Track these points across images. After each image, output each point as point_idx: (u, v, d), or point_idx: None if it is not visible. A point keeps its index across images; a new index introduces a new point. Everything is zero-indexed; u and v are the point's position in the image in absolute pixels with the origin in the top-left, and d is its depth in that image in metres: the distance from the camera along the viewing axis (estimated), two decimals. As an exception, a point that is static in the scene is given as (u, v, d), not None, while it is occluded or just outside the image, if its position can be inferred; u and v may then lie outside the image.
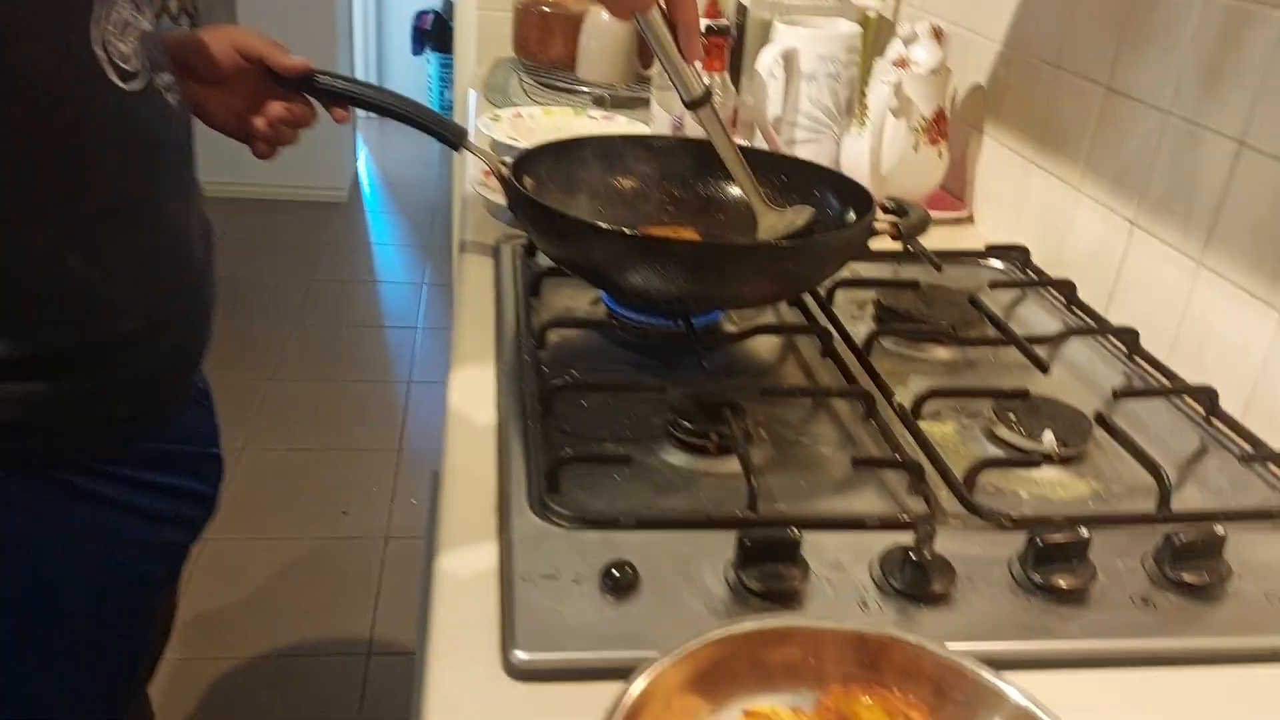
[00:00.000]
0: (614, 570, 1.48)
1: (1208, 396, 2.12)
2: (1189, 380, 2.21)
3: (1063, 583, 1.56)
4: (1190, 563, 1.62)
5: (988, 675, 1.31)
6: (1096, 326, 2.47)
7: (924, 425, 2.01)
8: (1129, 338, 2.37)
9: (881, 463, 1.87)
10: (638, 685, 1.23)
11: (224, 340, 6.66)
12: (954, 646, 1.35)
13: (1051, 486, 1.92)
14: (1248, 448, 1.99)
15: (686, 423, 1.87)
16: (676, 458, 1.86)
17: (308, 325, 6.13)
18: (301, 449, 5.13)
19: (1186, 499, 1.91)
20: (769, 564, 1.52)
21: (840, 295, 2.57)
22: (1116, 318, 2.51)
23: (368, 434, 5.41)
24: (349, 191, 8.03)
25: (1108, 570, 1.63)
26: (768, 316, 2.47)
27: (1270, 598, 1.62)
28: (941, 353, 2.39)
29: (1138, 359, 2.35)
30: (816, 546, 1.60)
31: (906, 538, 1.58)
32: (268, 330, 6.01)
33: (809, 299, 2.47)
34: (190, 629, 3.87)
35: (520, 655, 1.36)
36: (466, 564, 1.55)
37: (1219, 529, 1.64)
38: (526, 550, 1.54)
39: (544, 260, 2.44)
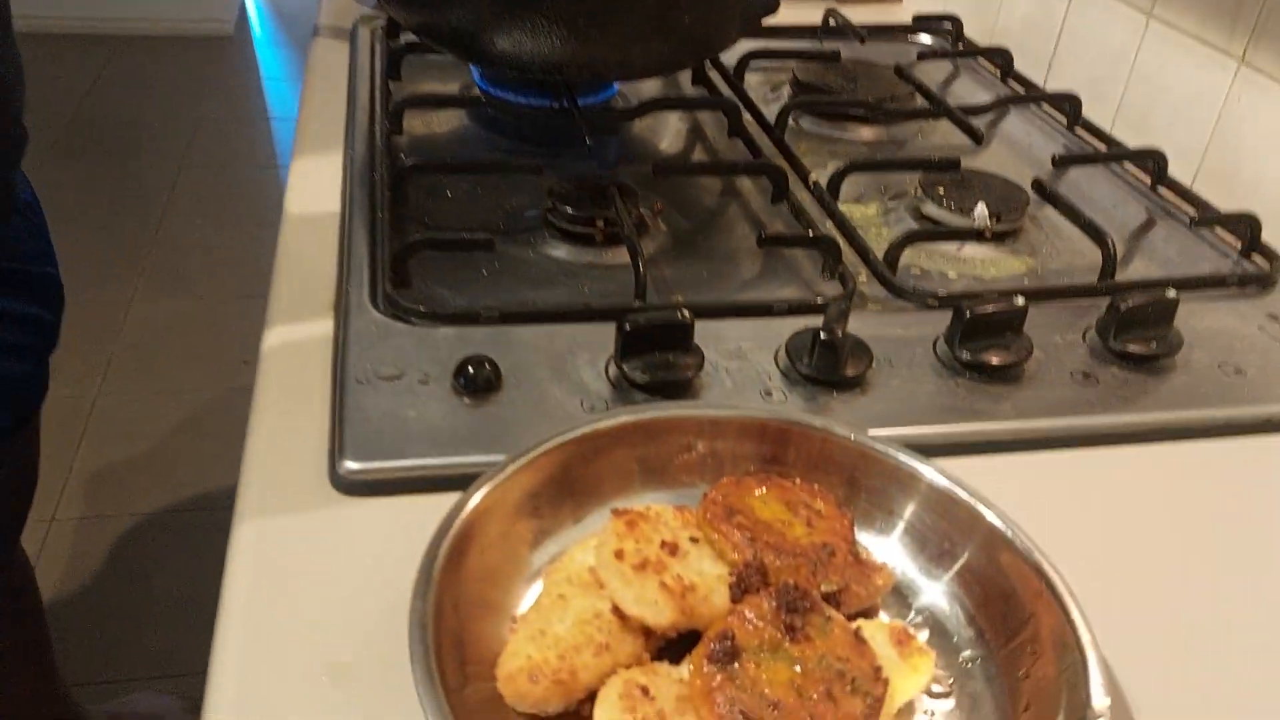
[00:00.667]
0: (469, 367, 1.24)
1: (1155, 161, 1.90)
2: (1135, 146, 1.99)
3: (994, 359, 1.35)
4: (1137, 332, 1.42)
5: (903, 457, 1.10)
6: (1034, 95, 2.22)
7: (844, 208, 1.76)
8: (1070, 105, 2.13)
9: (791, 240, 1.63)
10: (479, 493, 1.00)
11: (107, 187, 6.17)
12: (872, 434, 1.14)
13: (983, 265, 1.70)
14: (1196, 213, 1.78)
15: (567, 208, 1.61)
16: (557, 250, 1.60)
17: (196, 168, 5.67)
18: (197, 297, 4.76)
19: (1132, 272, 1.71)
20: (656, 353, 1.28)
21: (752, 76, 2.28)
22: (1056, 87, 2.26)
23: (266, 280, 5.05)
24: (235, 24, 7.40)
25: (1045, 347, 1.43)
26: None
27: (1224, 368, 1.43)
28: (865, 132, 2.13)
29: (1079, 129, 2.11)
30: (715, 335, 1.37)
31: (819, 323, 1.35)
32: (154, 175, 5.56)
33: (715, 75, 2.18)
34: (89, 486, 3.60)
35: (349, 465, 1.12)
36: (295, 367, 1.30)
37: (1171, 292, 1.44)
38: (364, 348, 1.28)
39: (408, 38, 2.11)
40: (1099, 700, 0.87)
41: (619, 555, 0.93)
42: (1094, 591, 0.96)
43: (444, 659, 0.87)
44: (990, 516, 1.04)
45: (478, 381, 1.23)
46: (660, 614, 0.91)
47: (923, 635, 1.03)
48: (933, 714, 0.97)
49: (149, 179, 5.94)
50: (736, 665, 0.87)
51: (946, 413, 1.30)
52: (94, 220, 5.72)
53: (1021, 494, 1.06)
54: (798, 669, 0.88)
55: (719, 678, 0.86)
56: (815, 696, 0.86)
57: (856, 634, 0.91)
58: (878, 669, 0.89)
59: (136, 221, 5.52)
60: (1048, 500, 1.15)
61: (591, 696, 0.90)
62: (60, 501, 3.78)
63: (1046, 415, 1.31)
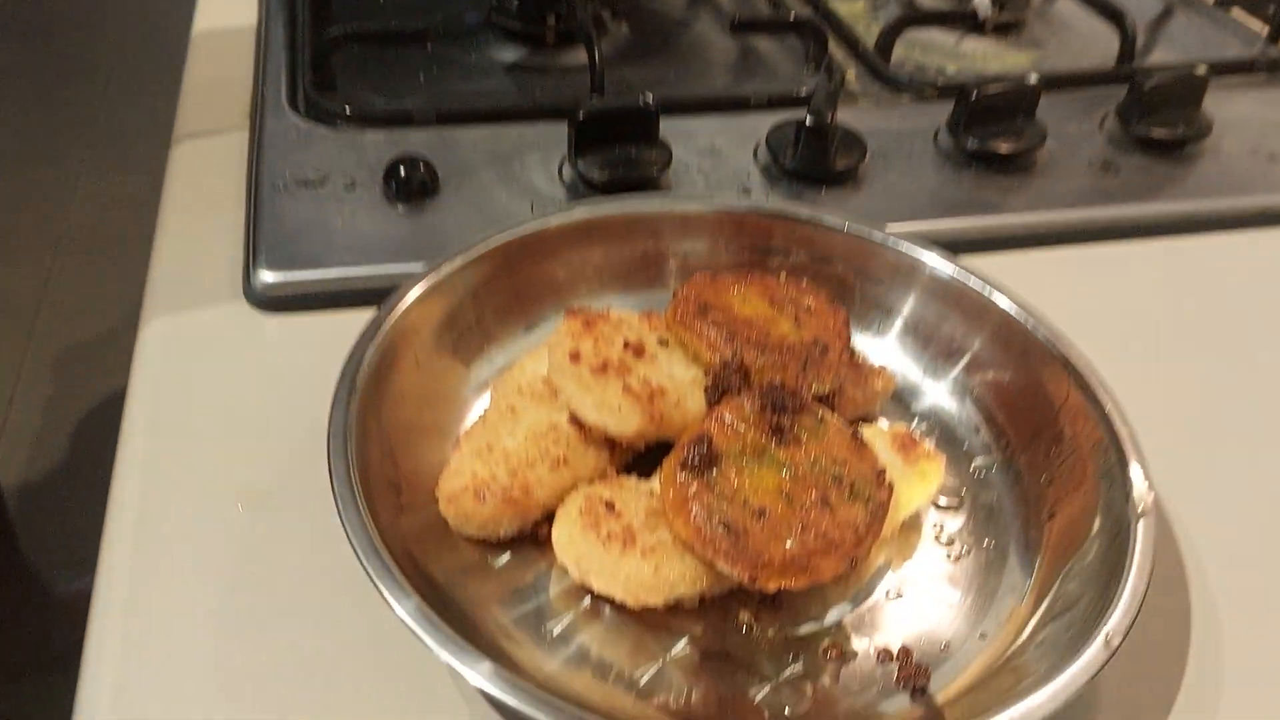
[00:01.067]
0: (401, 169, 1.07)
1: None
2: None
3: (1003, 147, 1.19)
4: (1162, 115, 1.26)
5: (903, 246, 0.96)
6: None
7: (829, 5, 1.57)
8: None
9: (767, 24, 1.45)
10: (411, 294, 0.85)
11: (49, 64, 5.80)
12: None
13: (984, 59, 1.52)
14: (1222, -5, 1.60)
15: (514, 2, 1.41)
16: (504, 52, 1.42)
17: (138, 39, 5.36)
18: (146, 172, 4.47)
19: (1151, 61, 1.54)
20: (616, 148, 1.11)
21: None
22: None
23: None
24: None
25: (1059, 137, 1.26)
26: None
27: (1258, 154, 1.28)
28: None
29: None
30: (684, 133, 1.21)
31: (803, 114, 1.18)
32: (96, 49, 5.26)
33: None
34: (47, 366, 3.52)
35: (265, 277, 0.97)
36: (208, 175, 1.13)
37: (1200, 69, 1.27)
38: (283, 153, 1.11)
39: None
40: (1140, 486, 0.75)
41: (574, 357, 0.79)
42: (1121, 395, 0.83)
43: (372, 481, 0.74)
44: (1004, 303, 0.90)
45: (411, 185, 1.07)
46: (625, 422, 0.78)
47: (928, 442, 0.91)
48: (941, 529, 0.85)
49: (91, 53, 5.59)
50: (715, 472, 0.74)
51: (951, 207, 1.15)
52: (37, 98, 5.41)
53: (1037, 293, 0.92)
54: (786, 475, 0.75)
55: (695, 486, 0.72)
56: (808, 504, 0.73)
57: (854, 434, 0.78)
58: (880, 472, 0.76)
59: (81, 96, 5.22)
60: (1065, 299, 1.01)
61: (549, 517, 0.77)
62: (19, 383, 3.64)
63: (1063, 207, 1.17)
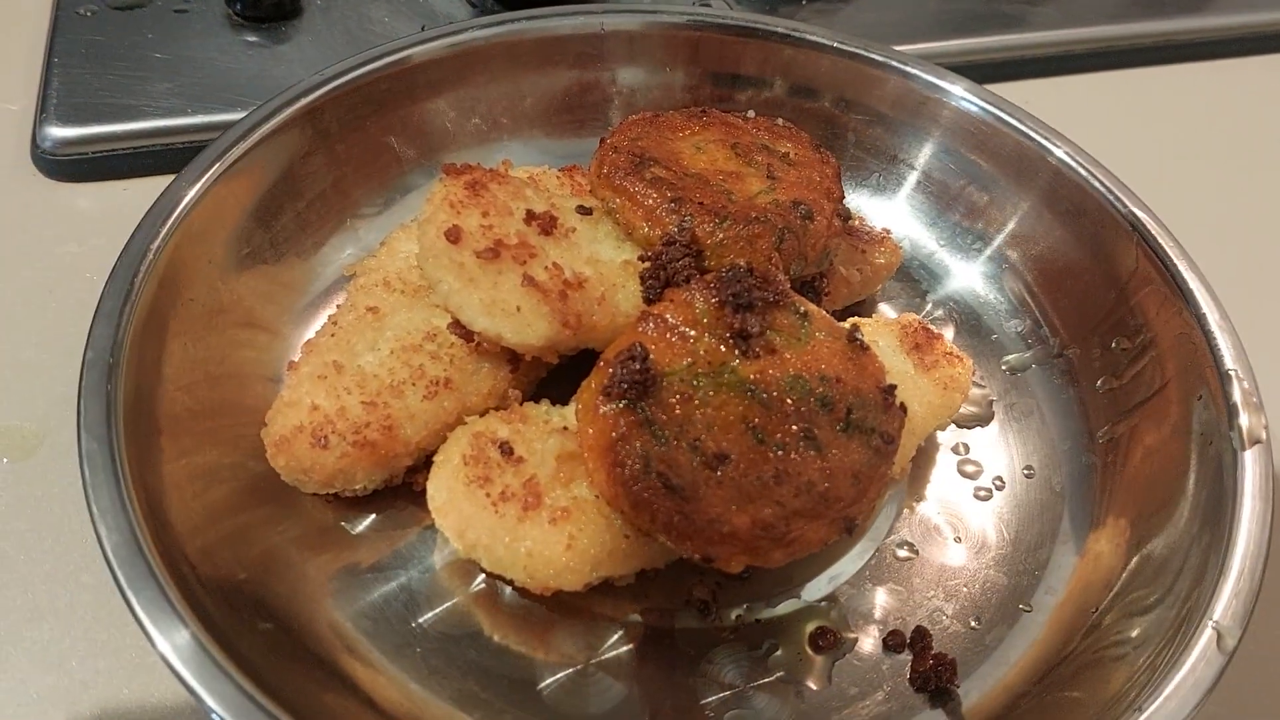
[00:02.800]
0: (246, -19, 0.81)
1: None
2: None
3: (1036, -60, 0.93)
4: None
5: (918, 70, 0.71)
6: None
7: None
8: None
9: None
10: (227, 156, 0.61)
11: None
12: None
13: None
14: None
15: None
16: None
17: None
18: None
19: None
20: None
21: None
22: None
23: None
24: None
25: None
26: None
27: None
28: None
29: None
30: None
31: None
32: None
33: None
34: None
35: (56, 134, 0.72)
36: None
37: None
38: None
39: None
40: (1247, 400, 0.53)
41: (453, 236, 0.55)
42: (1205, 266, 0.61)
43: (156, 429, 0.51)
44: (1059, 152, 0.66)
45: (262, 3, 0.80)
46: (526, 327, 0.55)
47: (947, 334, 0.68)
48: (966, 451, 0.63)
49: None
50: (653, 401, 0.51)
51: (965, 23, 0.89)
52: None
53: (1074, 122, 0.68)
54: (755, 401, 0.52)
55: (624, 422, 0.50)
56: (787, 443, 0.51)
57: (852, 337, 0.55)
58: (887, 390, 0.54)
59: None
60: (1108, 132, 0.77)
61: (428, 463, 0.55)
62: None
63: (1100, 22, 0.91)
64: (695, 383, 0.52)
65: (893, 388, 0.54)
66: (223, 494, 0.54)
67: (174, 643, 0.42)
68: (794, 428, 0.52)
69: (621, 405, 0.51)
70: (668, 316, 0.54)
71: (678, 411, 0.51)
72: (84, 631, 0.53)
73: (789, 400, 0.52)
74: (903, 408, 0.54)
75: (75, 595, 0.54)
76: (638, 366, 0.51)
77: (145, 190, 0.70)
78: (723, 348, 0.53)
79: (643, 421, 0.51)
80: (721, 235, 0.57)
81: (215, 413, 0.56)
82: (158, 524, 0.47)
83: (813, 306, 0.56)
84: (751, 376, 0.53)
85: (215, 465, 0.55)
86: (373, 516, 0.57)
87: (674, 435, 0.51)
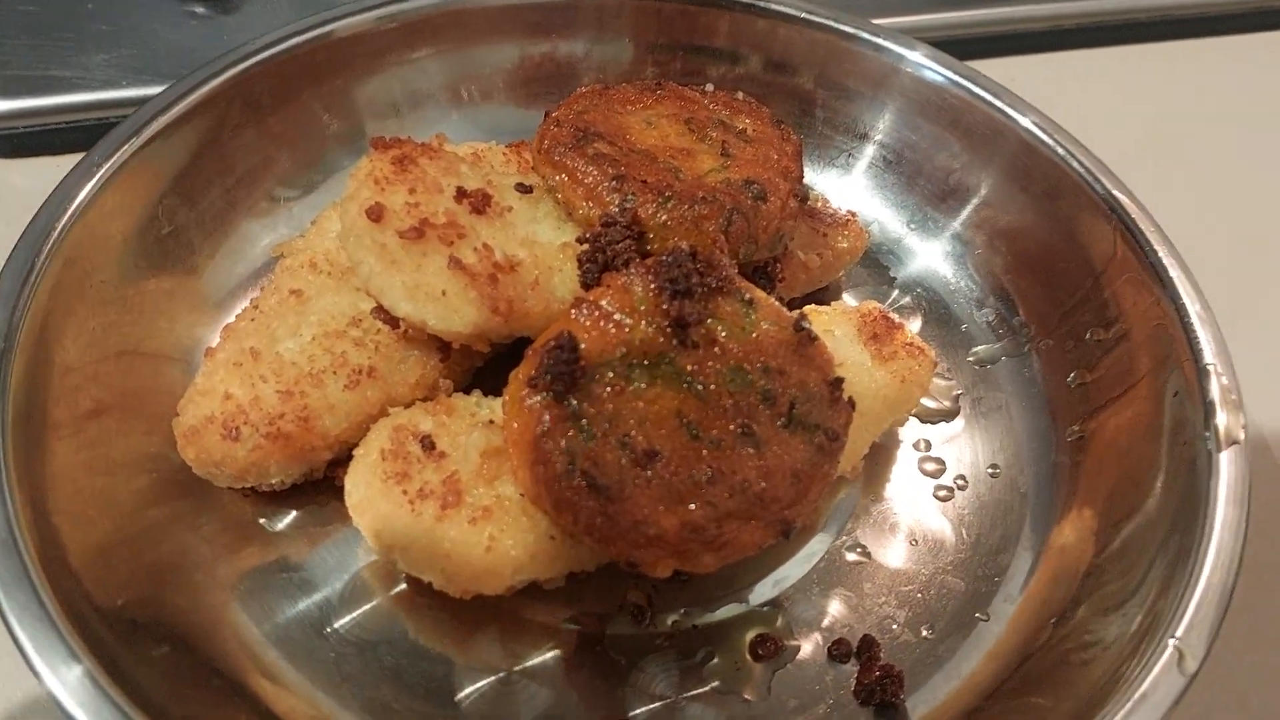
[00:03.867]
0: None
1: None
2: None
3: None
4: None
5: (887, 40, 0.67)
6: None
7: None
8: None
9: None
10: (145, 131, 0.57)
11: None
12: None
13: None
14: None
15: None
16: None
17: None
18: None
19: None
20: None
21: None
22: None
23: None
24: None
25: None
26: None
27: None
28: None
29: None
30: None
31: None
32: None
33: None
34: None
35: (-19, 110, 0.69)
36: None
37: None
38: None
39: None
40: (1224, 397, 0.50)
41: (374, 215, 0.51)
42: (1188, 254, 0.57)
43: (41, 402, 0.48)
44: (1025, 123, 0.62)
45: (209, -25, 0.77)
46: (453, 314, 0.51)
47: (914, 325, 0.65)
48: (928, 448, 0.60)
49: None
50: (581, 394, 0.48)
51: (951, -7, 0.85)
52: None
53: (1058, 106, 0.64)
54: (692, 394, 0.49)
55: (549, 416, 0.47)
56: (723, 440, 0.48)
57: (799, 326, 0.52)
58: (833, 383, 0.50)
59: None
60: (1101, 121, 0.74)
61: (349, 456, 0.52)
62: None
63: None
64: (629, 374, 0.49)
65: (840, 381, 0.50)
66: (135, 488, 0.51)
67: (64, 679, 0.39)
68: (731, 424, 0.48)
69: (548, 397, 0.48)
70: (603, 303, 0.50)
71: (608, 405, 0.48)
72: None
73: (728, 394, 0.49)
74: (851, 403, 0.50)
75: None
76: (566, 356, 0.48)
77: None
78: (660, 337, 0.50)
79: (569, 415, 0.47)
80: (665, 216, 0.54)
81: (128, 402, 0.53)
82: (44, 525, 0.44)
83: (760, 294, 0.52)
84: (689, 368, 0.49)
85: (128, 457, 0.52)
86: (294, 513, 0.54)
87: (602, 431, 0.47)
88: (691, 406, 0.49)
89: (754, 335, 0.51)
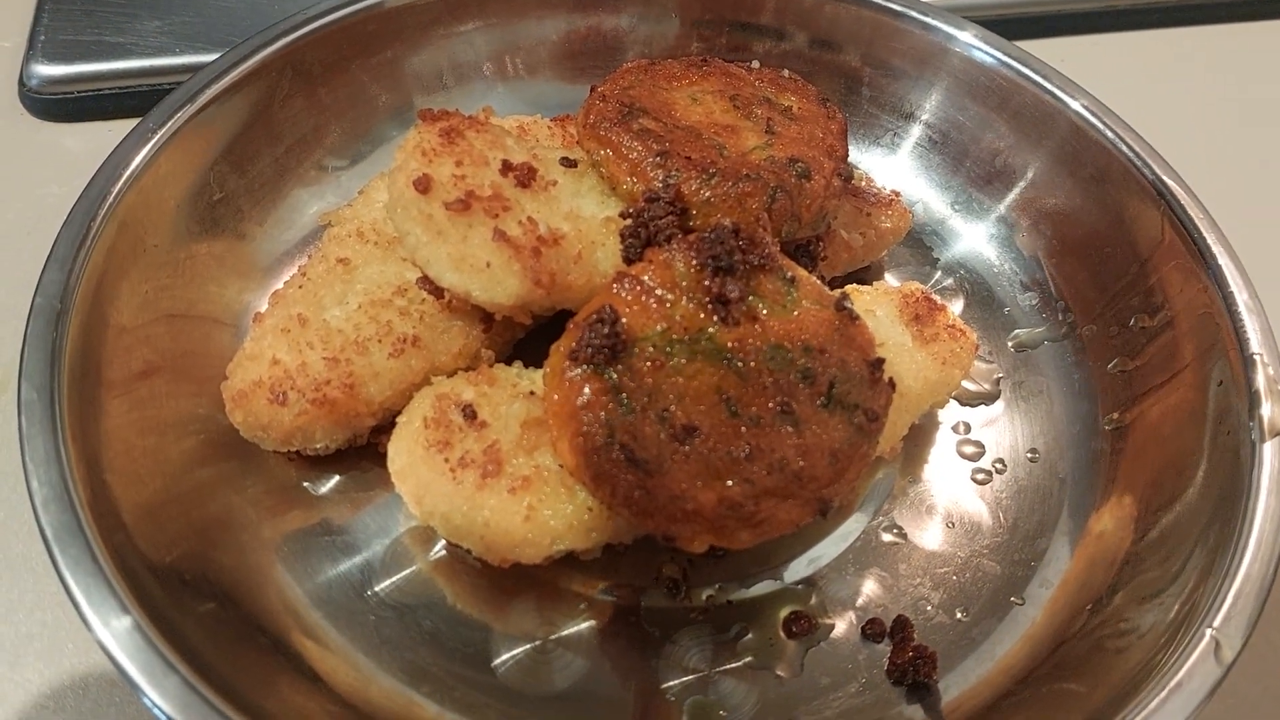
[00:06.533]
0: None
1: None
2: None
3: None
4: None
5: (937, 19, 0.66)
6: None
7: None
8: None
9: None
10: (198, 99, 0.58)
11: None
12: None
13: None
14: None
15: None
16: None
17: None
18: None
19: None
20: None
21: None
22: None
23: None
24: None
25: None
26: None
27: None
28: None
29: None
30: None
31: None
32: None
33: None
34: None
35: (43, 71, 0.70)
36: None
37: None
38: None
39: None
40: (1271, 387, 0.49)
41: (422, 186, 0.52)
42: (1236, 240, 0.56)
43: (95, 363, 0.50)
44: (1076, 106, 0.62)
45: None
46: (496, 285, 0.52)
47: (956, 306, 0.64)
48: (967, 431, 0.60)
49: None
50: (622, 367, 0.48)
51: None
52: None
53: (1108, 89, 0.63)
54: (731, 371, 0.49)
55: (590, 389, 0.47)
56: (762, 418, 0.48)
57: (840, 306, 0.52)
58: (874, 364, 0.50)
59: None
60: (1147, 95, 0.72)
61: (392, 423, 0.53)
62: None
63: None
64: (669, 349, 0.49)
65: (880, 362, 0.50)
66: (184, 448, 0.53)
67: (113, 630, 0.41)
68: (770, 401, 0.48)
69: (588, 370, 0.48)
70: (644, 278, 0.51)
71: (648, 379, 0.48)
72: (33, 584, 0.52)
73: (767, 371, 0.49)
74: (891, 384, 0.50)
75: (29, 546, 0.53)
76: (607, 330, 0.48)
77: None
78: (701, 313, 0.50)
79: (610, 388, 0.48)
80: (708, 193, 0.54)
81: (178, 364, 0.54)
82: (96, 481, 0.45)
83: (802, 272, 0.52)
84: (729, 344, 0.50)
85: (177, 417, 0.53)
86: (337, 478, 0.55)
87: (641, 404, 0.48)
88: (731, 383, 0.49)
89: (795, 313, 0.51)
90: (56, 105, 0.70)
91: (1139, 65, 0.81)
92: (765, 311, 0.51)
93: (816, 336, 0.50)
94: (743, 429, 0.48)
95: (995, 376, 0.62)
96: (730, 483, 0.46)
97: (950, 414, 0.60)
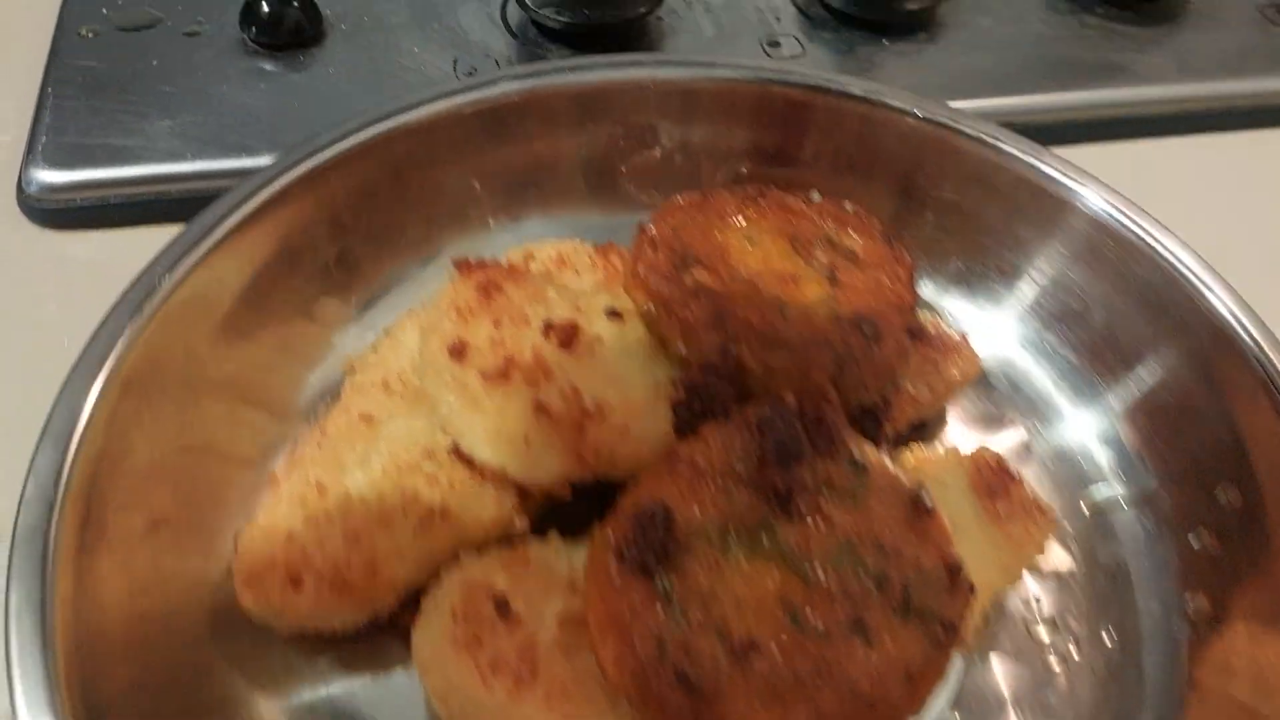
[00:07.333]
0: (265, 3, 0.73)
1: None
2: None
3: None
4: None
5: (1047, 167, 0.61)
6: None
7: None
8: None
9: None
10: (227, 222, 0.54)
11: None
12: (955, 107, 0.65)
13: None
14: None
15: None
16: None
17: None
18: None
19: None
20: (586, -23, 0.76)
21: None
22: None
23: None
24: None
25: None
26: None
27: None
28: None
29: None
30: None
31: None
32: None
33: None
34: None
35: (43, 178, 0.66)
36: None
37: None
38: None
39: None
40: None
41: (457, 352, 0.47)
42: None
43: (108, 548, 0.45)
44: (1217, 303, 0.56)
45: (281, 29, 0.73)
46: (535, 465, 0.47)
47: (1030, 480, 0.59)
48: (1039, 606, 0.55)
49: None
50: (674, 570, 0.43)
51: (1063, 70, 0.79)
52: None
53: (1187, 200, 0.59)
54: (796, 572, 0.44)
55: (637, 595, 0.43)
56: (830, 632, 0.43)
57: (917, 497, 0.47)
58: (954, 569, 0.46)
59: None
60: (1222, 204, 0.68)
61: (416, 598, 0.48)
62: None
63: (1223, 75, 0.80)
64: (726, 546, 0.45)
65: (960, 566, 0.46)
66: (188, 618, 0.48)
67: None
68: (840, 610, 0.44)
69: (636, 573, 0.43)
70: (698, 461, 0.46)
71: (703, 583, 0.44)
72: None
73: (835, 574, 0.44)
74: (971, 588, 0.46)
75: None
76: (659, 527, 0.44)
77: (140, 240, 0.64)
78: (760, 506, 0.45)
79: (660, 595, 0.43)
80: (771, 362, 0.49)
81: (191, 529, 0.50)
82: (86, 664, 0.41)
83: (872, 454, 0.48)
84: (792, 541, 0.45)
85: (183, 582, 0.49)
86: (349, 651, 0.50)
87: (696, 615, 0.43)
88: (795, 588, 0.44)
89: (865, 506, 0.46)
90: (57, 213, 0.65)
91: (1214, 170, 0.77)
92: (831, 503, 0.46)
93: (890, 533, 0.46)
94: (809, 645, 0.43)
95: (1068, 540, 0.57)
96: (794, 710, 0.42)
97: (1018, 588, 0.56)
